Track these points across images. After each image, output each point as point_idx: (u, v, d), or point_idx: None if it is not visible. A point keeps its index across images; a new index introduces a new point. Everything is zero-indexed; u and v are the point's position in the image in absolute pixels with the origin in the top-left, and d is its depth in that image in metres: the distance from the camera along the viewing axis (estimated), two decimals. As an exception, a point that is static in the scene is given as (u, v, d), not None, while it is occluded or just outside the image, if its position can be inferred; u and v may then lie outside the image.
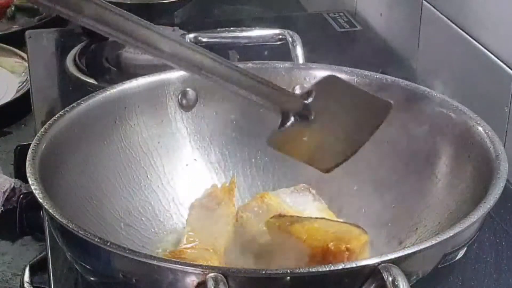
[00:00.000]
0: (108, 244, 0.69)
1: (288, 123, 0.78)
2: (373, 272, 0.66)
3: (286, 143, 0.81)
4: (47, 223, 0.91)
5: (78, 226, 0.71)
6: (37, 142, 0.82)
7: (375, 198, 0.90)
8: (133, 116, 0.93)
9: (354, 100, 0.82)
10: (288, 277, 0.66)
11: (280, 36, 1.05)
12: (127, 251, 0.68)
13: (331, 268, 0.66)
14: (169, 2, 1.54)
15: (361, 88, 0.83)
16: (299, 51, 1.02)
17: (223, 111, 0.96)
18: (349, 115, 0.82)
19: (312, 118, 0.78)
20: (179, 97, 0.95)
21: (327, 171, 0.82)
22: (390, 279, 0.65)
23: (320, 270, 0.68)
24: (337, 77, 0.83)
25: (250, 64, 0.99)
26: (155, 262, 0.67)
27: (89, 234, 0.70)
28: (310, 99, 0.78)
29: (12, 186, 1.27)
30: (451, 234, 0.70)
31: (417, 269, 0.70)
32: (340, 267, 0.66)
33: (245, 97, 0.77)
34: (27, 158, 0.79)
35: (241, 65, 1.00)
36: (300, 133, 0.80)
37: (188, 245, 0.84)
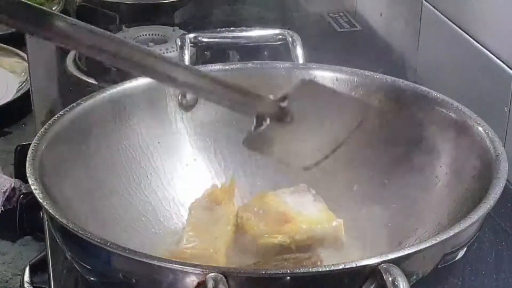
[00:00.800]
0: (108, 244, 0.69)
1: (264, 126, 0.79)
2: (373, 272, 0.66)
3: (262, 144, 0.81)
4: (47, 223, 0.91)
5: (78, 226, 0.71)
6: (37, 142, 0.82)
7: (375, 198, 0.90)
8: (133, 116, 0.93)
9: (332, 102, 0.82)
10: (288, 277, 0.66)
11: (280, 36, 1.05)
12: (127, 251, 0.68)
13: (331, 268, 0.66)
14: (169, 2, 1.54)
15: (341, 91, 0.84)
16: (299, 51, 1.02)
17: (223, 111, 0.96)
18: (327, 115, 0.82)
19: (289, 120, 0.79)
20: (179, 97, 0.95)
21: (306, 169, 0.82)
22: (390, 279, 0.64)
23: (320, 270, 0.68)
24: (315, 82, 0.84)
25: (250, 64, 0.99)
26: (155, 262, 0.67)
27: (89, 234, 0.70)
28: (286, 102, 0.79)
29: (12, 186, 1.26)
30: (451, 234, 0.70)
31: (417, 269, 0.70)
32: (340, 267, 0.66)
33: (217, 104, 0.78)
34: (27, 158, 0.79)
35: (240, 65, 1.00)
36: (277, 135, 0.80)
37: (188, 245, 0.84)
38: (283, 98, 0.79)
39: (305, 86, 0.82)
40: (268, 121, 0.79)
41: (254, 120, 0.79)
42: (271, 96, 0.79)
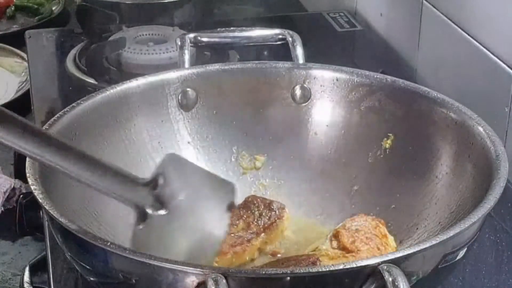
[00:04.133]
0: (108, 244, 0.69)
1: (147, 219, 0.77)
2: (373, 272, 0.66)
3: (150, 241, 0.78)
4: (47, 223, 0.91)
5: (78, 226, 0.71)
6: (37, 142, 0.82)
7: (375, 198, 0.90)
8: (133, 116, 0.92)
9: (201, 182, 0.83)
10: (288, 277, 0.66)
11: (280, 36, 1.05)
12: (127, 251, 0.68)
13: (331, 268, 0.66)
14: (169, 2, 1.54)
15: (203, 168, 0.86)
16: (299, 51, 1.02)
17: (223, 111, 0.96)
18: (200, 201, 0.82)
19: (167, 210, 0.78)
20: (179, 97, 0.95)
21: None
22: (390, 279, 0.64)
23: (320, 270, 0.68)
24: (178, 156, 0.84)
25: (250, 64, 0.99)
26: (155, 262, 0.67)
27: (89, 234, 0.70)
28: (158, 188, 0.77)
29: (12, 186, 1.26)
30: (451, 234, 0.70)
31: (417, 269, 0.70)
32: (340, 267, 0.66)
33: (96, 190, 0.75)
34: (27, 158, 0.79)
35: (240, 65, 1.00)
36: (162, 227, 0.78)
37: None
38: (155, 183, 0.77)
39: (171, 162, 0.81)
40: (150, 212, 0.77)
41: (136, 216, 0.77)
42: (143, 179, 0.77)
